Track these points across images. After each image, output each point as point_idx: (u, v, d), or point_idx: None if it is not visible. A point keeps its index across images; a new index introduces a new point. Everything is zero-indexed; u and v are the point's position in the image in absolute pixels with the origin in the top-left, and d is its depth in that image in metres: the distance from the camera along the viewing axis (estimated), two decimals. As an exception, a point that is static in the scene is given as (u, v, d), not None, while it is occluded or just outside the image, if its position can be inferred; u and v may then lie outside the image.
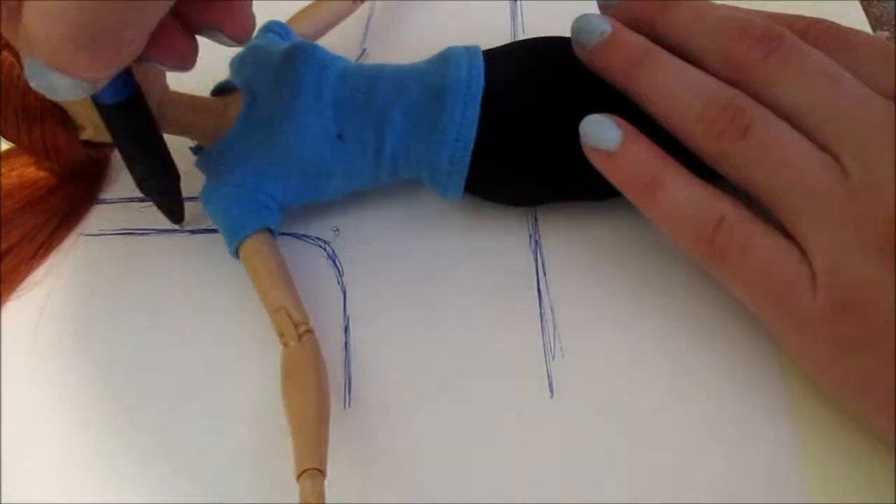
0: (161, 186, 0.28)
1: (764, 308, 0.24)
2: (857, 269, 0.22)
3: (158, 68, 0.24)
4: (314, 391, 0.24)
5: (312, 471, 0.22)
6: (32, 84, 0.21)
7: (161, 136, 0.27)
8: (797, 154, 0.24)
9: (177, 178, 0.28)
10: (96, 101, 0.25)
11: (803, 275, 0.23)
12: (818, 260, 0.23)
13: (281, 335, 0.26)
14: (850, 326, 0.22)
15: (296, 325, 0.26)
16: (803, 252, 0.23)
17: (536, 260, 0.29)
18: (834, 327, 0.22)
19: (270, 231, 0.28)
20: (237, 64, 0.30)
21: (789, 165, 0.24)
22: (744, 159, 0.24)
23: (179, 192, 0.29)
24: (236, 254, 0.28)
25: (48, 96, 0.22)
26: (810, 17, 0.27)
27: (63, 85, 0.21)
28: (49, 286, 0.30)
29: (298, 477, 0.22)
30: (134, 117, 0.26)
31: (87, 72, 0.21)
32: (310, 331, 0.26)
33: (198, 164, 0.29)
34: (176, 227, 0.31)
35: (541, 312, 0.28)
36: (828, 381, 0.24)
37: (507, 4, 0.36)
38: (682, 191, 0.25)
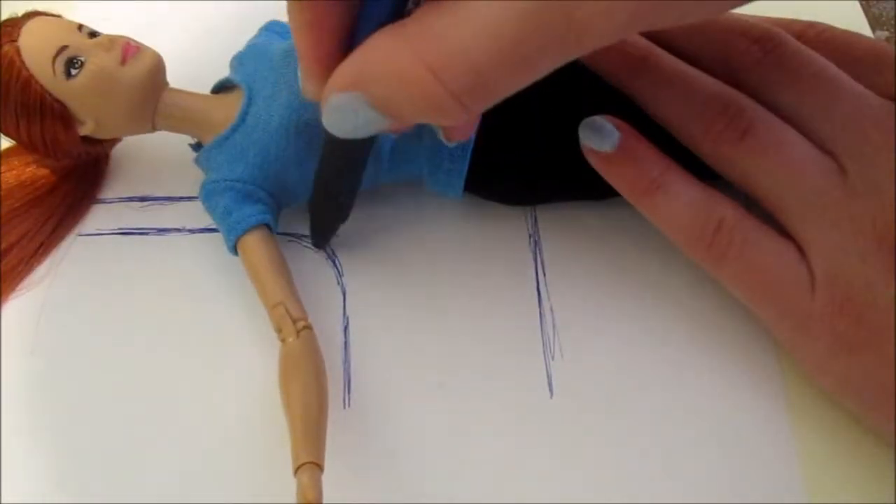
0: (334, 217, 0.28)
1: (763, 308, 0.24)
2: (856, 270, 0.22)
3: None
4: (312, 386, 0.24)
5: (310, 465, 0.22)
6: (329, 121, 0.19)
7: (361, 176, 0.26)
8: (796, 155, 0.24)
9: (345, 219, 0.28)
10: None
11: (802, 275, 0.23)
12: (817, 260, 0.23)
13: (279, 331, 0.26)
14: (849, 326, 0.22)
15: (294, 321, 0.26)
16: (802, 252, 0.23)
17: (536, 260, 0.29)
18: (833, 327, 0.22)
19: (269, 228, 0.28)
20: (237, 62, 0.30)
21: (788, 166, 0.24)
22: (743, 160, 0.24)
23: (337, 228, 0.29)
24: (234, 250, 0.28)
25: (339, 134, 0.19)
26: (807, 21, 0.27)
27: (375, 125, 0.18)
28: (48, 285, 0.30)
29: (296, 471, 0.22)
30: (364, 151, 0.24)
31: (457, 116, 0.17)
32: (308, 327, 0.26)
33: (197, 161, 0.29)
34: (176, 226, 0.31)
35: (541, 312, 0.28)
36: (828, 381, 0.24)
37: (506, 5, 0.36)
38: (680, 192, 0.25)
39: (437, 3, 0.17)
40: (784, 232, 0.24)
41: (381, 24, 0.17)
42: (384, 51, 0.17)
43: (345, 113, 0.18)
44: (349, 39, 0.19)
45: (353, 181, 0.26)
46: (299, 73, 0.20)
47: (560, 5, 0.16)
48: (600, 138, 0.25)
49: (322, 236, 0.29)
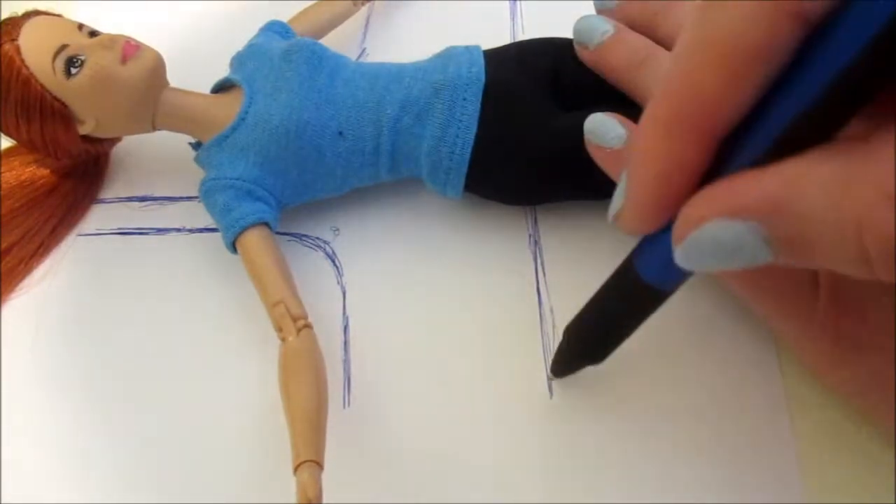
0: (589, 357, 0.24)
1: (767, 308, 0.24)
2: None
3: None
4: (312, 385, 0.24)
5: (310, 463, 0.22)
6: (688, 250, 0.16)
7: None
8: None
9: (598, 362, 0.24)
10: (649, 282, 0.20)
11: (805, 276, 0.23)
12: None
13: (279, 330, 0.26)
14: (854, 326, 0.22)
15: (294, 320, 0.26)
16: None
17: (536, 260, 0.29)
18: (836, 327, 0.22)
19: (269, 226, 0.28)
20: (238, 61, 0.30)
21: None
22: None
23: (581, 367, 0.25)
24: (233, 247, 0.28)
25: (688, 264, 0.16)
26: None
27: (752, 262, 0.15)
28: (48, 285, 0.30)
29: (296, 469, 0.22)
30: (658, 304, 0.21)
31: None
32: (308, 326, 0.26)
33: (197, 160, 0.29)
34: (175, 226, 0.31)
35: (541, 312, 0.28)
36: (832, 381, 0.24)
37: (507, 4, 0.36)
38: None
39: (887, 129, 0.14)
40: None
41: (787, 144, 0.14)
42: (824, 178, 0.14)
43: (719, 246, 0.15)
44: (707, 172, 0.16)
45: (630, 331, 0.23)
46: (622, 196, 0.17)
47: None
48: (606, 135, 0.25)
49: (565, 369, 0.26)
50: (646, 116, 0.16)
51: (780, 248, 0.15)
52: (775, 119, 0.15)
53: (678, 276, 0.19)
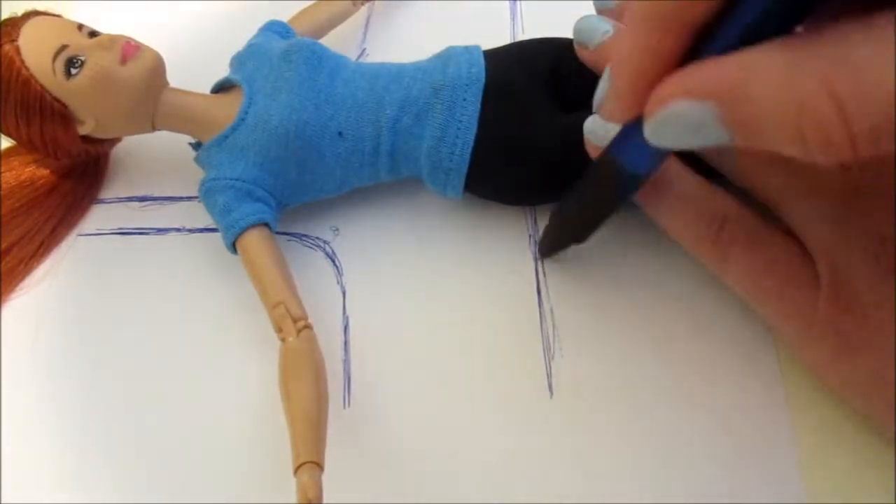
0: (571, 237, 0.26)
1: (767, 307, 0.24)
2: (861, 269, 0.22)
3: None
4: (313, 386, 0.24)
5: (310, 464, 0.22)
6: (655, 129, 0.17)
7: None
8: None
9: (582, 242, 0.26)
10: (623, 167, 0.21)
11: (806, 274, 0.23)
12: (821, 259, 0.23)
13: (279, 330, 0.26)
14: (854, 326, 0.22)
15: (294, 321, 0.26)
16: (806, 251, 0.23)
17: (536, 260, 0.29)
18: (838, 327, 0.22)
19: (268, 227, 0.28)
20: (237, 61, 0.30)
21: (790, 164, 0.24)
22: (745, 158, 0.24)
23: (569, 247, 0.27)
24: (233, 247, 0.28)
25: (659, 143, 0.18)
26: None
27: (712, 141, 0.17)
28: (48, 285, 0.30)
29: (296, 470, 0.22)
30: (633, 189, 0.23)
31: (836, 157, 0.15)
32: (308, 326, 0.26)
33: (197, 160, 0.29)
34: (175, 226, 0.31)
35: (541, 312, 0.28)
36: (833, 381, 0.24)
37: (507, 4, 0.36)
38: (684, 190, 0.25)
39: (843, 27, 0.15)
40: (788, 230, 0.24)
41: (750, 36, 0.16)
42: (774, 67, 0.15)
43: (682, 124, 0.17)
44: (683, 58, 0.17)
45: (608, 214, 0.24)
46: (605, 87, 0.19)
47: None
48: (606, 135, 0.25)
49: (550, 249, 0.28)
50: (629, 13, 0.18)
51: (735, 128, 0.16)
52: (743, 13, 0.16)
53: (651, 162, 0.21)
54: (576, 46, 0.27)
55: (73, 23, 0.28)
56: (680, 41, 0.17)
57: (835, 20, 0.15)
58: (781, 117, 0.15)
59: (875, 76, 0.14)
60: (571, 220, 0.26)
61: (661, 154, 0.20)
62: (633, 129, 0.20)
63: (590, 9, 0.28)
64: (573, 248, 0.27)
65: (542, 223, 0.30)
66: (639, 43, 0.17)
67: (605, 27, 0.26)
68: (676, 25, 0.17)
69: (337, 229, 0.30)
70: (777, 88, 0.15)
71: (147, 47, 0.28)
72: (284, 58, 0.28)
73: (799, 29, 0.16)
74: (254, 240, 0.27)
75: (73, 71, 0.27)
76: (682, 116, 0.17)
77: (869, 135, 0.15)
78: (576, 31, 0.27)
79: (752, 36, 0.16)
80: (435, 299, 0.28)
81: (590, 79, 0.27)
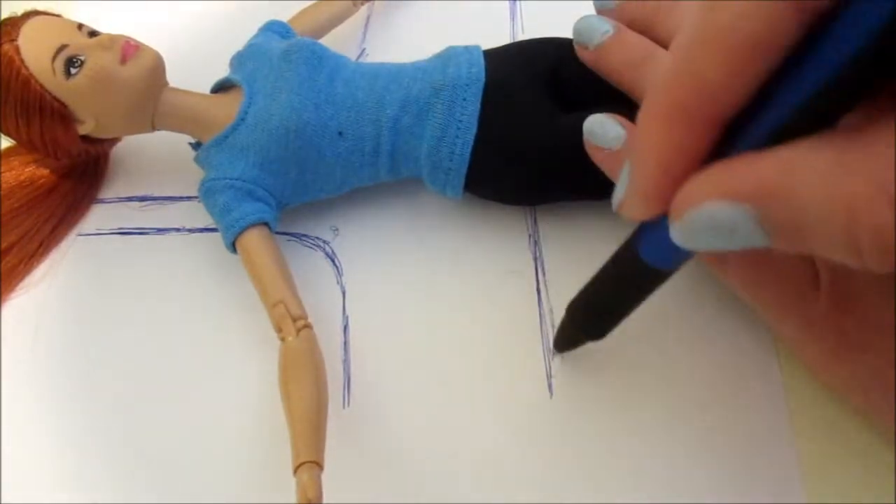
0: (591, 333, 0.25)
1: (767, 308, 0.24)
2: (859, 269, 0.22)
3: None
4: (312, 385, 0.24)
5: (310, 464, 0.22)
6: (684, 231, 0.16)
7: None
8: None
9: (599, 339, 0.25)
10: (648, 263, 0.20)
11: (806, 275, 0.23)
12: (820, 260, 0.23)
13: (279, 330, 0.26)
14: (855, 325, 0.22)
15: (294, 320, 0.26)
16: (806, 252, 0.23)
17: (536, 260, 0.29)
18: (838, 326, 0.22)
19: (268, 226, 0.28)
20: (237, 61, 0.30)
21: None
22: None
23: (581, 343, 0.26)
24: (233, 247, 0.28)
25: (687, 245, 0.16)
26: None
27: (747, 245, 0.15)
28: (48, 285, 0.30)
29: (296, 470, 0.22)
30: (657, 284, 0.21)
31: (883, 265, 0.14)
32: (308, 326, 0.26)
33: (197, 160, 0.29)
34: (175, 226, 0.31)
35: (541, 312, 0.28)
36: (833, 380, 0.24)
37: (507, 4, 0.36)
38: None
39: (887, 122, 0.14)
40: None
41: (785, 132, 0.15)
42: (820, 165, 0.14)
43: (714, 227, 0.15)
44: (711, 154, 0.16)
45: (630, 310, 0.23)
46: (626, 185, 0.18)
47: None
48: (606, 135, 0.25)
49: (566, 345, 0.26)
50: (648, 106, 0.16)
51: (774, 232, 0.15)
52: (776, 107, 0.15)
53: (677, 257, 0.19)
54: (576, 46, 0.27)
55: (72, 22, 0.28)
56: (707, 137, 0.16)
57: (880, 112, 0.14)
58: (830, 222, 0.14)
59: None
60: (592, 316, 0.24)
61: (687, 253, 0.18)
62: (658, 221, 0.18)
63: (590, 9, 0.28)
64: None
65: (542, 223, 0.30)
66: (661, 139, 0.16)
67: (605, 27, 0.26)
68: (702, 121, 0.15)
69: (337, 229, 0.30)
70: (824, 190, 0.14)
71: (147, 47, 0.28)
72: (284, 58, 0.28)
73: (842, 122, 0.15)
74: (253, 239, 0.27)
75: (73, 70, 0.27)
76: (714, 219, 0.15)
77: None
78: (575, 31, 0.27)
79: (788, 132, 0.15)
80: (435, 299, 0.28)
81: (590, 79, 0.27)
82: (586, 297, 0.24)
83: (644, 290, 0.22)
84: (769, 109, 0.15)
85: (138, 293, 0.30)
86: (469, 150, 0.27)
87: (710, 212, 0.15)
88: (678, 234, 0.16)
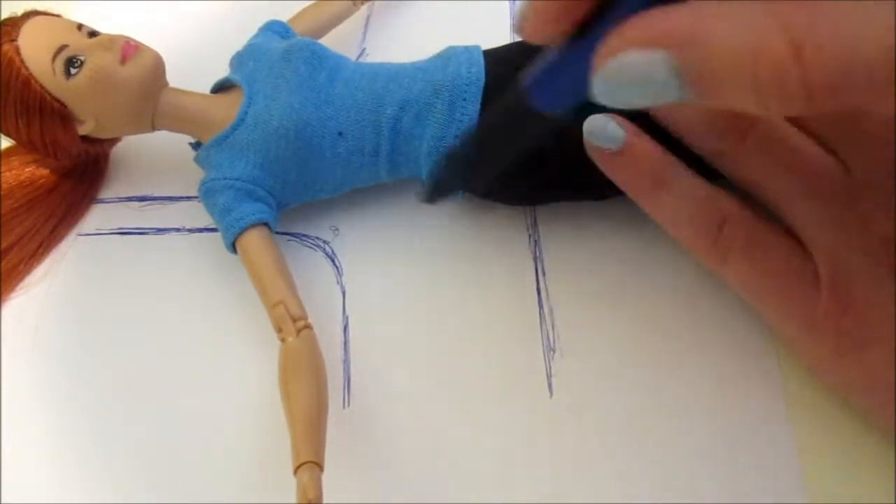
0: (461, 179, 0.24)
1: (768, 307, 0.24)
2: (861, 268, 0.22)
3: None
4: (312, 386, 0.24)
5: (310, 464, 0.22)
6: (605, 83, 0.16)
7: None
8: (800, 154, 0.24)
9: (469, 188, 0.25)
10: (537, 106, 0.19)
11: (807, 274, 0.23)
12: (822, 259, 0.23)
13: (279, 330, 0.26)
14: (855, 325, 0.22)
15: (294, 321, 0.26)
16: (807, 251, 0.23)
17: (536, 260, 0.29)
18: (839, 326, 0.22)
19: (268, 227, 0.28)
20: (237, 61, 0.30)
21: (791, 165, 0.24)
22: (746, 159, 0.24)
23: (457, 192, 0.25)
24: (233, 247, 0.28)
25: (607, 102, 0.17)
26: None
27: (665, 97, 0.16)
28: (48, 285, 0.30)
29: (296, 470, 0.22)
30: (539, 130, 0.21)
31: (791, 109, 0.15)
32: (308, 326, 0.26)
33: (197, 160, 0.29)
34: (175, 226, 0.31)
35: (541, 312, 0.28)
36: (834, 380, 0.24)
37: (507, 4, 0.36)
38: (684, 190, 0.25)
39: None
40: (789, 230, 0.24)
41: None
42: (735, 14, 0.15)
43: (632, 77, 0.16)
44: None
45: (508, 158, 0.22)
46: (524, 4, 0.18)
47: None
48: (605, 136, 0.25)
49: (437, 193, 0.24)
50: None
51: (689, 80, 0.15)
52: None
53: (566, 105, 0.19)
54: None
55: (72, 22, 0.28)
56: None
57: None
58: (737, 62, 0.15)
59: (836, 23, 0.14)
60: (468, 162, 0.23)
61: (578, 98, 0.18)
62: (557, 61, 0.18)
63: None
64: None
65: (542, 223, 0.30)
66: None
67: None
68: None
69: (337, 229, 0.30)
70: (734, 32, 0.15)
71: (147, 47, 0.28)
72: (284, 58, 0.28)
73: None
74: (253, 240, 0.27)
75: (73, 71, 0.27)
76: (634, 68, 0.16)
77: (826, 85, 0.14)
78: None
79: None
80: (435, 299, 0.28)
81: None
82: (467, 142, 0.23)
83: (524, 137, 0.21)
84: None
85: (138, 293, 0.30)
86: (469, 150, 0.27)
87: (629, 60, 0.16)
88: (599, 86, 0.17)
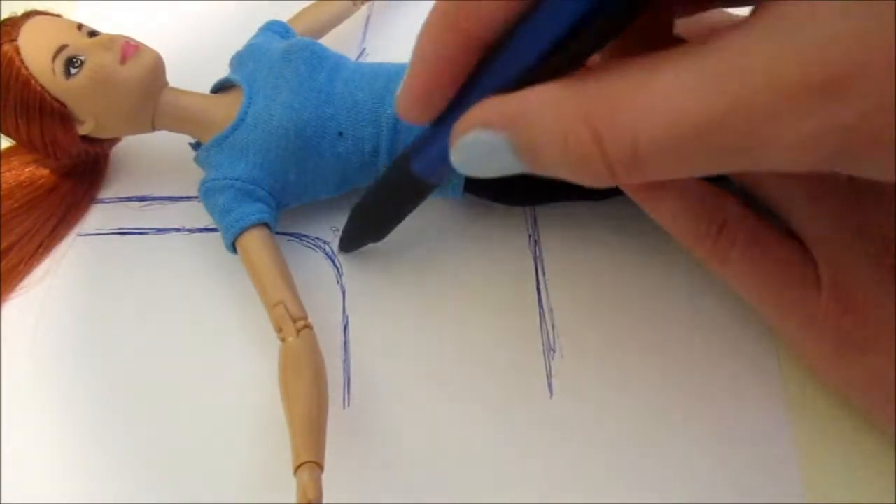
0: (368, 236, 0.29)
1: (768, 308, 0.24)
2: (862, 269, 0.22)
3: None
4: (312, 386, 0.24)
5: (310, 464, 0.22)
6: (459, 156, 0.19)
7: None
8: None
9: (378, 241, 0.29)
10: (417, 173, 0.23)
11: (807, 275, 0.23)
12: (822, 260, 0.23)
13: (279, 330, 0.26)
14: (856, 326, 0.22)
15: (294, 321, 0.26)
16: (807, 252, 0.23)
17: (536, 260, 0.29)
18: (839, 327, 0.22)
19: (268, 227, 0.28)
20: (237, 61, 0.30)
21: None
22: None
23: (367, 244, 0.29)
24: (233, 248, 0.28)
25: (463, 171, 0.20)
26: None
27: (507, 169, 0.19)
28: (48, 285, 0.30)
29: (296, 470, 0.22)
30: (423, 195, 0.25)
31: (602, 182, 0.18)
32: (308, 326, 0.26)
33: (197, 160, 0.29)
34: (175, 226, 0.31)
35: (541, 312, 0.28)
36: (834, 381, 0.24)
37: (506, 5, 0.36)
38: (685, 190, 0.25)
39: (620, 64, 0.17)
40: (789, 231, 0.24)
41: (538, 69, 0.18)
42: (552, 100, 0.17)
43: (480, 151, 0.19)
44: (470, 77, 0.19)
45: (401, 216, 0.27)
46: (400, 89, 0.21)
47: (762, 112, 0.15)
48: None
49: (350, 245, 0.29)
50: (428, 18, 0.20)
51: (521, 154, 0.18)
52: (524, 52, 0.18)
53: (440, 173, 0.23)
54: None
55: (72, 22, 0.28)
56: (465, 51, 0.19)
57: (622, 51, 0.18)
58: (554, 145, 0.17)
59: (626, 116, 0.16)
60: (369, 219, 0.28)
61: (448, 167, 0.21)
62: (430, 136, 0.22)
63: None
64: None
65: (542, 223, 0.30)
66: (430, 48, 0.20)
67: None
68: (461, 36, 0.19)
69: (337, 229, 0.30)
70: (549, 119, 0.17)
71: (147, 47, 0.28)
72: (284, 58, 0.28)
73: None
74: (253, 240, 0.27)
75: (73, 71, 0.27)
76: (478, 144, 0.19)
77: (625, 167, 0.17)
78: None
79: (535, 75, 0.18)
80: (435, 299, 0.28)
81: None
82: (365, 202, 0.27)
83: (412, 199, 0.26)
84: (518, 53, 0.18)
85: (138, 293, 0.30)
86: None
87: (475, 137, 0.19)
88: (456, 157, 0.20)
